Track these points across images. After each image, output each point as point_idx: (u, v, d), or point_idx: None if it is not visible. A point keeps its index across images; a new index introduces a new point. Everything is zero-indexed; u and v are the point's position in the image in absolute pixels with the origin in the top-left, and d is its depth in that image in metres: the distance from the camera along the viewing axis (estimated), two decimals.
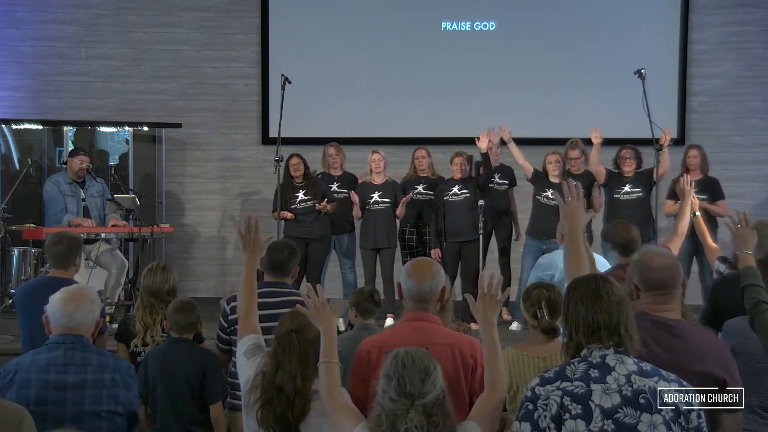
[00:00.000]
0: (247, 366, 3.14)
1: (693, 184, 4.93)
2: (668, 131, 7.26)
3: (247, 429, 3.07)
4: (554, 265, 5.29)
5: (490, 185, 7.53)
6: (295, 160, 7.38)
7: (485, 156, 7.21)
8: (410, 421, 2.45)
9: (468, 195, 7.20)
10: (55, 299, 3.23)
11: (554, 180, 7.16)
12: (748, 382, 3.46)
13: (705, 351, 2.76)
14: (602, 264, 4.89)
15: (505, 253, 7.75)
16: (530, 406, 2.40)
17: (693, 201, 5.06)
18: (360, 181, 7.67)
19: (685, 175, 5.05)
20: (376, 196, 7.37)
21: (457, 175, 7.26)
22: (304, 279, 7.06)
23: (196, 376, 3.99)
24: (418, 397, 2.47)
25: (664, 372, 2.42)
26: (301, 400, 2.92)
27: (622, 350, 2.43)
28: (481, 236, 6.69)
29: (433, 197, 7.42)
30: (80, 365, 3.14)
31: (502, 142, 7.56)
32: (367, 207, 7.36)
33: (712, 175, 7.38)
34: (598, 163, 7.24)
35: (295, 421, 2.91)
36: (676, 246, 4.78)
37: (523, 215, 7.79)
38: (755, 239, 3.66)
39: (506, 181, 7.67)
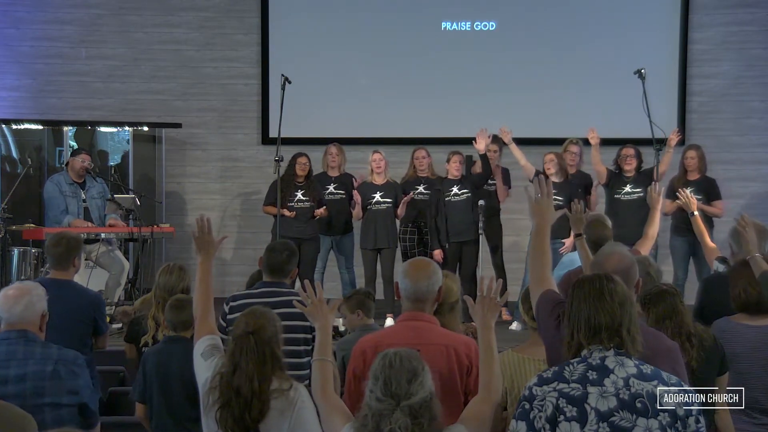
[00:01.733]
0: (204, 367, 3.13)
1: (663, 191, 4.98)
2: (677, 133, 7.30)
3: (207, 430, 3.05)
4: (577, 263, 5.25)
5: (483, 187, 7.56)
6: (303, 159, 7.40)
7: (483, 156, 7.24)
8: (395, 422, 2.43)
9: (468, 195, 7.22)
10: None
11: (553, 179, 7.19)
12: (733, 382, 3.49)
13: (655, 350, 2.76)
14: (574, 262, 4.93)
15: (497, 252, 7.76)
16: (527, 406, 2.41)
17: (691, 200, 5.09)
18: (361, 181, 7.67)
19: (654, 183, 5.08)
20: (377, 197, 7.37)
21: (454, 174, 7.28)
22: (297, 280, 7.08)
23: (189, 375, 3.99)
24: (404, 398, 2.45)
25: (665, 375, 2.41)
26: (259, 401, 2.89)
27: (623, 352, 2.42)
28: (480, 236, 6.69)
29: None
30: (22, 359, 3.14)
31: (501, 142, 7.57)
32: (368, 207, 7.36)
33: (710, 175, 7.38)
34: (600, 163, 7.25)
35: (254, 422, 2.89)
36: (646, 249, 4.80)
37: (521, 215, 7.78)
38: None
39: (495, 182, 7.67)
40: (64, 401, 3.16)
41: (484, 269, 7.33)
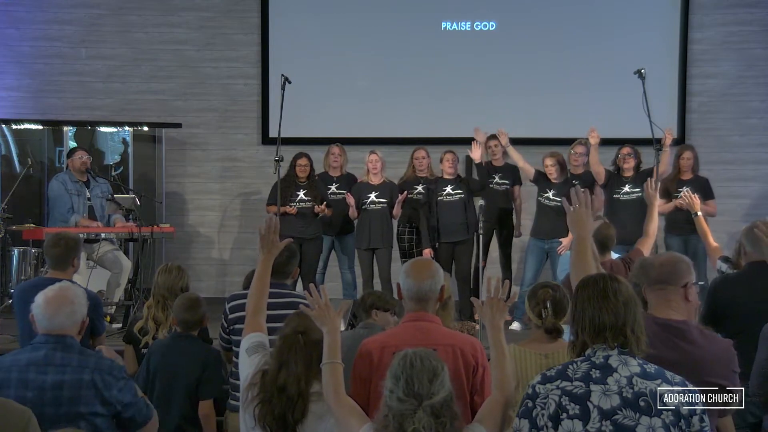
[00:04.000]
0: (247, 363, 3.14)
1: (658, 188, 4.97)
2: (670, 131, 7.29)
3: (244, 426, 3.06)
4: None
5: (490, 185, 7.55)
6: (303, 161, 7.38)
7: (479, 165, 7.28)
8: (418, 422, 2.44)
9: (462, 195, 7.22)
10: (39, 300, 3.19)
11: (554, 180, 7.20)
12: None
13: (716, 357, 2.76)
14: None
15: (505, 252, 7.75)
16: (530, 404, 2.42)
17: (694, 200, 5.08)
18: (358, 181, 7.68)
19: (649, 180, 5.08)
20: (372, 197, 7.36)
21: (448, 172, 7.28)
22: (299, 280, 7.07)
23: (194, 372, 4.00)
24: (426, 398, 2.47)
25: (668, 374, 2.41)
26: (303, 402, 2.91)
27: (627, 351, 2.42)
28: (481, 236, 6.69)
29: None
30: (59, 365, 3.10)
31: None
32: (363, 207, 7.36)
33: (708, 175, 7.39)
34: (598, 164, 7.25)
35: (295, 422, 2.90)
36: (647, 247, 4.79)
37: (528, 214, 7.78)
38: None
39: (507, 181, 7.68)
40: (98, 410, 3.11)
41: (491, 268, 7.34)
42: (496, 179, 7.62)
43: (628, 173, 7.26)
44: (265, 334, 3.29)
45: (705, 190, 7.22)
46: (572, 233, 3.17)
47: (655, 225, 4.86)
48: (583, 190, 3.23)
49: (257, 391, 2.96)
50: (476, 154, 7.24)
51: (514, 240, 7.86)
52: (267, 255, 3.45)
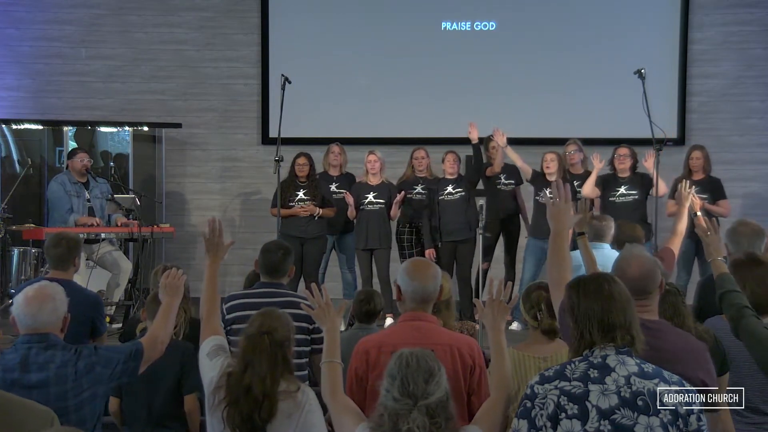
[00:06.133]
0: (209, 367, 3.13)
1: (693, 187, 4.97)
2: (651, 155, 7.02)
3: (211, 430, 3.04)
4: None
5: (498, 186, 7.52)
6: (302, 160, 7.36)
7: (476, 147, 7.24)
8: (413, 422, 2.44)
9: (463, 194, 7.22)
10: (18, 301, 3.19)
11: (551, 179, 7.18)
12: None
13: (684, 352, 2.76)
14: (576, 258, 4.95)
15: (510, 252, 7.73)
16: (528, 404, 2.42)
17: (694, 201, 5.08)
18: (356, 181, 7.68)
19: (684, 180, 5.06)
20: (370, 197, 7.35)
21: (449, 172, 7.27)
22: (302, 279, 7.08)
23: (173, 370, 3.98)
24: (421, 398, 2.47)
25: (666, 374, 2.42)
26: (269, 402, 2.89)
27: (626, 350, 2.43)
28: (481, 236, 6.68)
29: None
30: (43, 363, 3.11)
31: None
32: (361, 207, 7.35)
33: (714, 175, 7.35)
34: (592, 189, 7.00)
35: (262, 422, 2.88)
36: (677, 246, 4.81)
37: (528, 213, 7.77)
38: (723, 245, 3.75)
39: (512, 181, 7.61)
40: (85, 396, 3.14)
41: (495, 269, 7.33)
42: (502, 179, 7.57)
43: (624, 174, 7.08)
44: (223, 336, 3.30)
45: (716, 191, 7.14)
46: (551, 227, 3.16)
47: (683, 224, 4.87)
48: (565, 185, 3.24)
49: (224, 394, 2.94)
50: (474, 134, 7.21)
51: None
52: (213, 258, 3.48)
